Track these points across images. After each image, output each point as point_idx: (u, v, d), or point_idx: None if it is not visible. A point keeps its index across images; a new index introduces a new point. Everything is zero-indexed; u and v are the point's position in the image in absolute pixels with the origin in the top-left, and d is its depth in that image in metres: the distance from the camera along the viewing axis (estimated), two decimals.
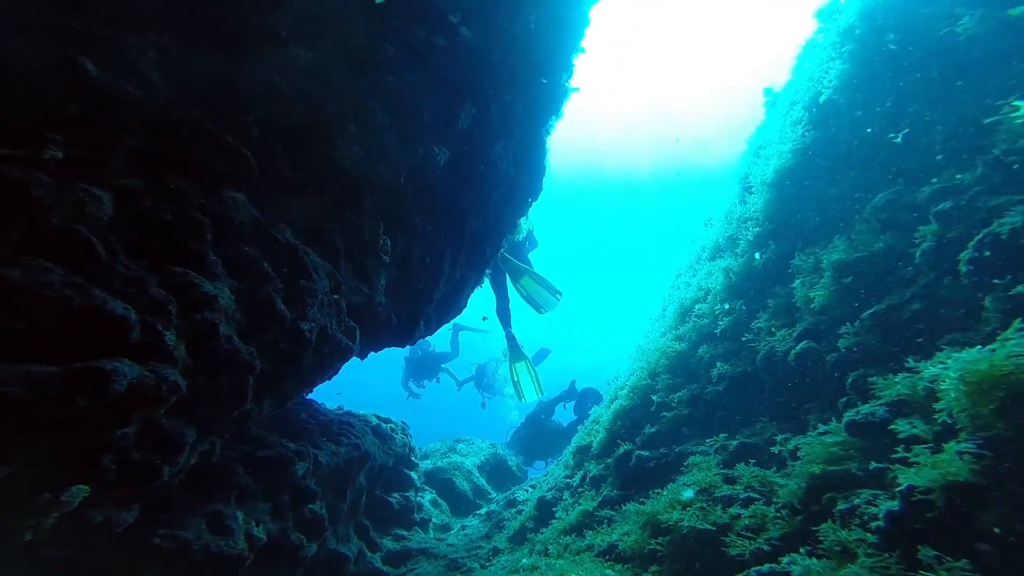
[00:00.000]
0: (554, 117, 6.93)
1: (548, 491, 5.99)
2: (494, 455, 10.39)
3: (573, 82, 7.01)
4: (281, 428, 5.03)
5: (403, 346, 6.22)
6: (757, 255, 4.52)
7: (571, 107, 7.08)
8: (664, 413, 4.65)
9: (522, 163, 6.67)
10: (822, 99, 4.31)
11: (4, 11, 2.02)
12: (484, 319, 11.93)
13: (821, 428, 2.83)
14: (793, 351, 3.47)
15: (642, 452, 4.67)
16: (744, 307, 4.46)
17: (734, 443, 3.61)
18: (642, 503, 4.28)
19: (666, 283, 7.44)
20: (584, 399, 11.76)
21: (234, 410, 2.82)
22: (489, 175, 6.04)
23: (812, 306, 3.51)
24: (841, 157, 4.11)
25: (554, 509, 5.52)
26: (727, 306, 4.60)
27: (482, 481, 9.52)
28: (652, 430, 4.73)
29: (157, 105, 2.55)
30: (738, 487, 3.01)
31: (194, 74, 2.62)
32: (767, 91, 7.24)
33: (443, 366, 12.38)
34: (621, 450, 4.93)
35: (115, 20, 2.31)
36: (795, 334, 3.54)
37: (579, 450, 6.18)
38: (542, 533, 5.16)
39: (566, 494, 5.64)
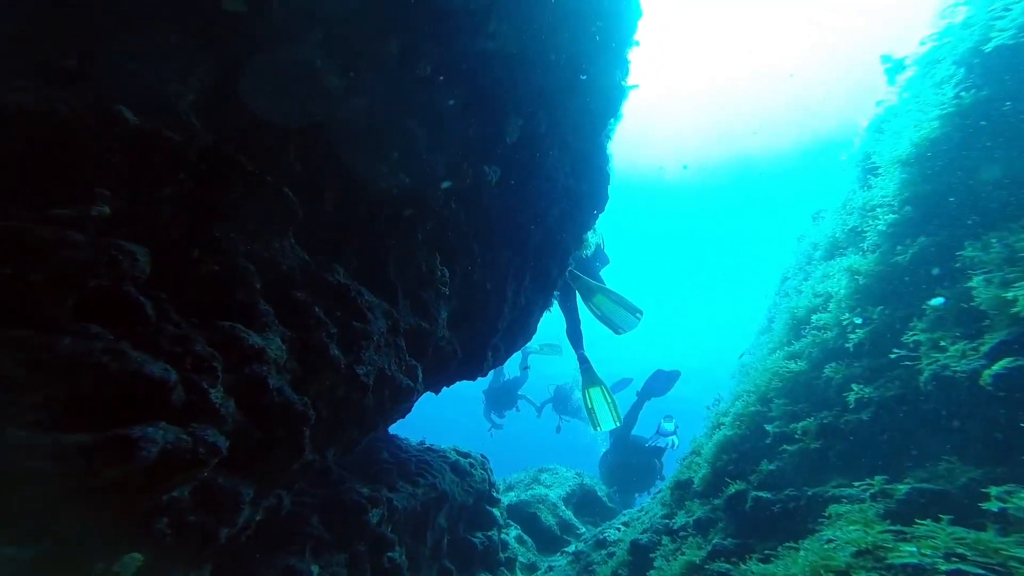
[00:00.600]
0: (613, 120, 6.39)
1: (643, 533, 5.29)
2: (580, 485, 9.72)
3: (631, 80, 6.47)
4: (362, 468, 4.83)
5: (474, 379, 5.88)
6: (899, 249, 3.64)
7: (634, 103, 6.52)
8: (785, 447, 3.85)
9: (581, 173, 6.18)
10: (990, 46, 3.41)
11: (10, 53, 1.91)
12: (527, 368, 11.48)
13: None
14: (988, 372, 2.61)
15: (761, 493, 3.90)
16: (886, 315, 3.59)
17: (903, 488, 2.78)
18: (766, 560, 3.53)
19: (768, 288, 6.50)
20: (655, 384, 10.69)
21: (293, 462, 2.56)
22: (545, 190, 5.62)
23: (1014, 311, 2.65)
24: None
25: (651, 556, 4.83)
26: (859, 319, 3.74)
27: (569, 515, 8.89)
28: (771, 467, 3.94)
29: (197, 148, 2.40)
30: (928, 551, 2.21)
31: (224, 108, 2.45)
32: (886, 58, 6.19)
33: (519, 393, 11.96)
34: (732, 489, 4.18)
35: (138, 52, 2.17)
36: (986, 349, 2.68)
37: (678, 486, 5.43)
38: None
39: (665, 539, 4.92)
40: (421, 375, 3.86)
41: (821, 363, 3.90)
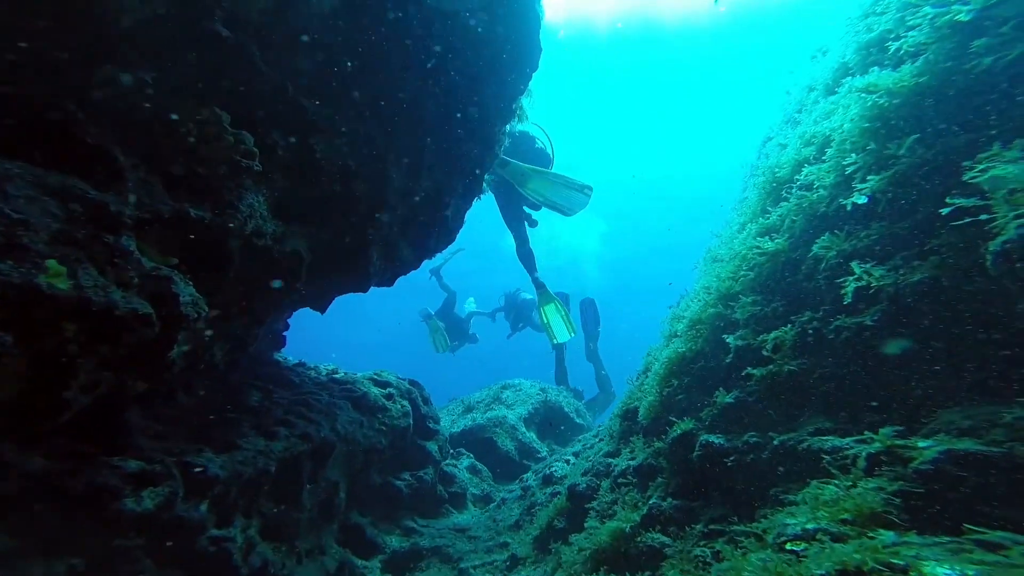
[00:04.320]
0: None
1: (584, 475, 4.23)
2: (544, 402, 8.80)
3: None
4: (202, 423, 3.69)
5: (363, 290, 4.55)
6: (975, 46, 1.92)
7: None
8: (751, 370, 2.53)
9: (498, 12, 4.32)
10: None
11: None
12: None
13: None
14: None
15: (712, 438, 2.67)
16: (926, 149, 2.05)
17: (928, 448, 1.48)
18: (709, 536, 2.43)
19: (747, 155, 4.83)
20: (585, 314, 10.10)
21: None
22: (438, 31, 3.85)
23: None
24: None
25: (588, 506, 3.79)
26: (868, 156, 2.20)
27: (530, 436, 8.04)
28: (729, 399, 2.66)
29: None
30: None
31: None
32: None
33: (466, 316, 11.19)
34: (678, 430, 2.97)
35: None
36: None
37: (626, 415, 4.28)
38: (570, 544, 3.49)
39: (604, 484, 3.85)
40: (185, 292, 2.49)
41: (808, 236, 2.44)
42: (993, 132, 2.01)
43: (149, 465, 2.70)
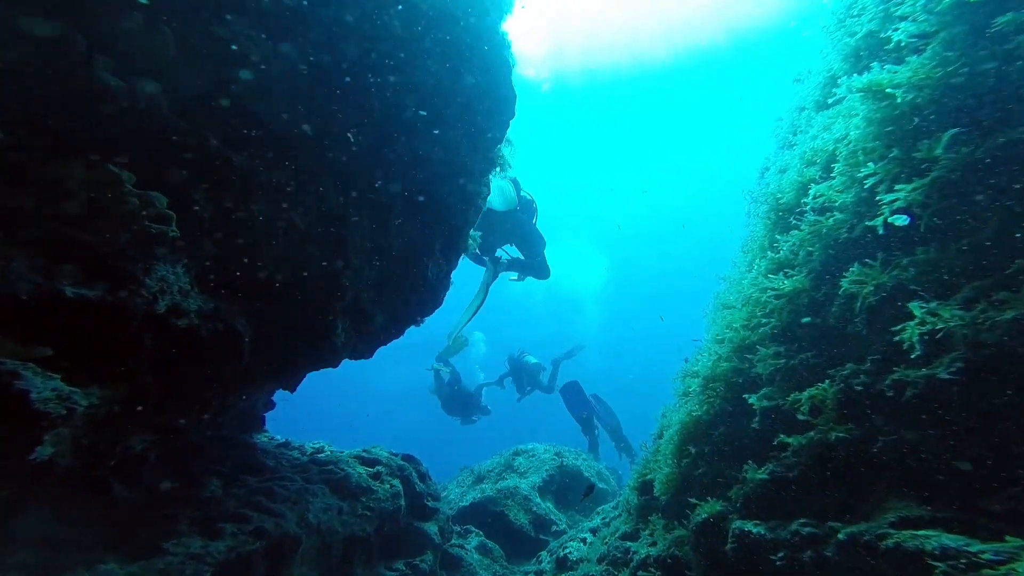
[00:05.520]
0: None
1: (599, 562, 3.59)
2: (560, 467, 8.10)
3: None
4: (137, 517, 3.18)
5: (333, 365, 4.09)
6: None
7: None
8: (785, 438, 2.02)
9: (462, 61, 4.10)
10: None
11: None
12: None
13: None
14: None
15: (749, 526, 2.12)
16: (968, 152, 1.64)
17: None
18: None
19: (747, 183, 4.45)
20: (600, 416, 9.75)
21: None
22: (400, 78, 3.61)
23: None
24: None
25: None
26: (892, 164, 1.79)
27: (547, 506, 7.30)
28: (762, 475, 2.13)
29: None
30: None
31: None
32: None
33: (475, 390, 10.79)
34: (702, 514, 2.41)
35: None
36: None
37: (643, 487, 3.68)
38: None
39: None
40: (42, 387, 2.02)
41: (832, 270, 2.00)
42: None
43: None
